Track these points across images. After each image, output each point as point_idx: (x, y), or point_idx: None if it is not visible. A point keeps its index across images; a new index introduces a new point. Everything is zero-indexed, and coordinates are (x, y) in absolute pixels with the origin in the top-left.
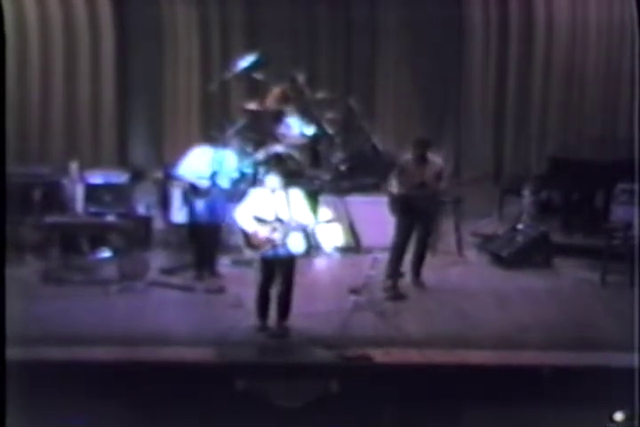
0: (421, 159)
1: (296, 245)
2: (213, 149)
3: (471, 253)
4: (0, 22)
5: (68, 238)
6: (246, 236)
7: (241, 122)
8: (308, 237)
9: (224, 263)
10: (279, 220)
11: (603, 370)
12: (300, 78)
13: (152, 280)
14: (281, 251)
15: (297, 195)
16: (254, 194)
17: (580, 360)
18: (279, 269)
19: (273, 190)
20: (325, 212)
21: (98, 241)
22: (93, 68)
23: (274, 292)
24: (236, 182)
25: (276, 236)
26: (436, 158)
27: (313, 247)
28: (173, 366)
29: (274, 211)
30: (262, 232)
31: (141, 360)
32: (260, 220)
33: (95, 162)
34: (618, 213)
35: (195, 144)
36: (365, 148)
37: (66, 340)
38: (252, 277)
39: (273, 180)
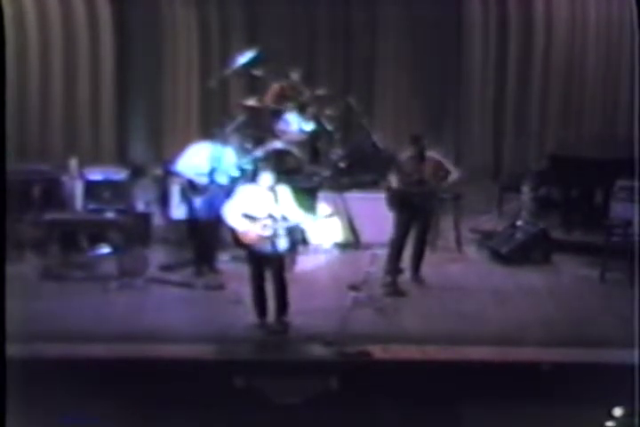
0: (419, 156)
1: (283, 241)
2: (212, 146)
3: (470, 250)
4: (0, 22)
5: (68, 235)
6: (235, 234)
7: (240, 118)
8: (298, 233)
9: (223, 260)
10: (270, 216)
11: (602, 367)
12: (294, 76)
13: (151, 277)
14: (271, 247)
15: (285, 191)
16: (243, 191)
17: (579, 357)
18: (269, 265)
19: (269, 188)
20: (324, 208)
21: (97, 238)
22: (93, 65)
23: (270, 288)
24: (234, 179)
25: (268, 232)
26: (433, 154)
27: (301, 243)
28: (173, 363)
29: (264, 208)
30: (254, 230)
31: (140, 357)
32: (249, 217)
33: (94, 159)
34: (617, 210)
35: (194, 140)
36: (365, 144)
37: (65, 337)
38: None
39: (267, 178)
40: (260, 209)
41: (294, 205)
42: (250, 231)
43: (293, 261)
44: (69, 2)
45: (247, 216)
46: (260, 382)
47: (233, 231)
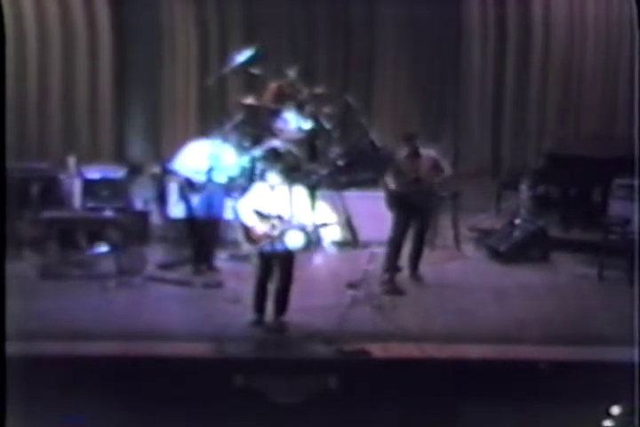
0: (414, 154)
1: (294, 241)
2: (210, 144)
3: (469, 248)
4: (0, 21)
5: (66, 233)
6: (246, 229)
7: (238, 117)
8: (308, 234)
9: (222, 258)
10: (279, 216)
11: (600, 365)
12: (291, 73)
13: (150, 275)
14: (279, 246)
15: (300, 192)
16: (257, 188)
17: (578, 355)
18: (277, 265)
19: (272, 187)
20: (326, 214)
21: (95, 236)
22: (91, 64)
23: (272, 287)
24: (233, 177)
25: (274, 232)
26: (429, 151)
27: (313, 243)
28: (171, 361)
29: (275, 207)
30: (260, 227)
31: (139, 355)
32: (260, 214)
33: (93, 157)
34: (615, 208)
35: (192, 139)
36: (363, 143)
37: (64, 335)
38: (250, 272)
39: (273, 177)
40: (271, 208)
41: (306, 206)
42: (258, 229)
43: (305, 260)
44: (68, 1)
45: (258, 213)
46: (259, 381)
47: (244, 228)
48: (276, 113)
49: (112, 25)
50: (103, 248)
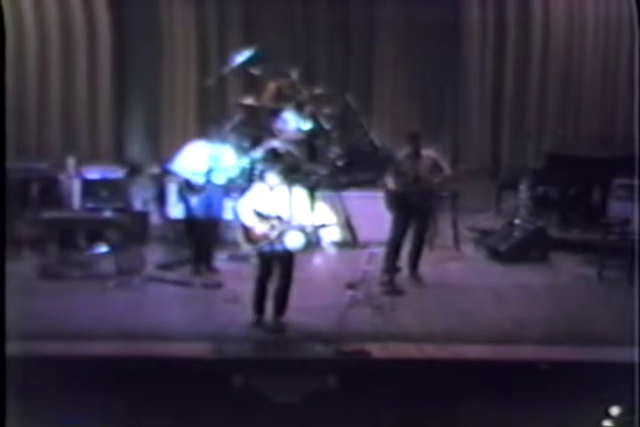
0: (415, 154)
1: (294, 241)
2: (210, 145)
3: (468, 248)
4: (0, 22)
5: (66, 234)
6: (245, 230)
7: (237, 117)
8: (307, 234)
9: (221, 259)
10: (278, 217)
11: (600, 365)
12: (294, 75)
13: (149, 275)
14: (278, 247)
15: (299, 193)
16: (257, 188)
17: (578, 355)
18: (277, 265)
19: (272, 187)
20: (325, 214)
21: (95, 236)
22: (90, 64)
23: (271, 287)
24: (232, 178)
25: (273, 233)
26: (428, 151)
27: (312, 244)
28: (170, 362)
29: (274, 207)
30: (260, 228)
31: (138, 355)
32: (259, 215)
33: (92, 157)
34: (615, 208)
35: (191, 140)
36: (363, 143)
37: (63, 335)
38: (250, 272)
39: (273, 178)
40: (270, 208)
41: (306, 206)
42: (258, 230)
43: (305, 260)
44: (68, 1)
45: (257, 214)
46: (258, 381)
47: (244, 228)
48: (275, 113)
49: (111, 25)
50: (103, 248)
